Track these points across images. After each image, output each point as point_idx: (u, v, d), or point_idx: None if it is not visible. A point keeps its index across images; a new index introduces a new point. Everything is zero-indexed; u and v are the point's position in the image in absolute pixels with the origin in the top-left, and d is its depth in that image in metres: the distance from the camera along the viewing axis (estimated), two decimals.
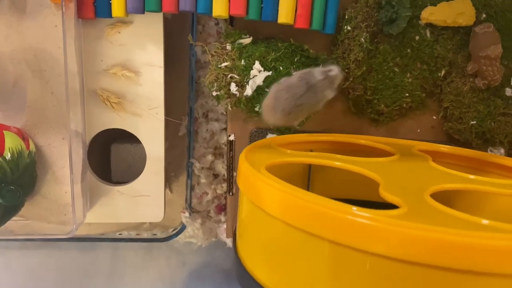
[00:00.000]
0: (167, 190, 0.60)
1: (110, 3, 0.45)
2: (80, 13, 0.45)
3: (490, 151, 0.54)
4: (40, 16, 0.43)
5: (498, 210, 0.43)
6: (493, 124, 0.52)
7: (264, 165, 0.32)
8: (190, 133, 0.56)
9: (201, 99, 0.58)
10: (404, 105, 0.52)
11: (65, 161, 0.45)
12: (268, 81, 0.49)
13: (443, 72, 0.51)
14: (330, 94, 0.42)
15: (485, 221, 0.26)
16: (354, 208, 0.25)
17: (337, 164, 0.35)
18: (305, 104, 0.41)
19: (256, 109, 0.51)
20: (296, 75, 0.43)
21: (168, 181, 0.60)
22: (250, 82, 0.49)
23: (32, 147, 0.43)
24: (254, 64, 0.48)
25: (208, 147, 0.60)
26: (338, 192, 0.46)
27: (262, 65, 0.48)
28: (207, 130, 0.59)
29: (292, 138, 0.45)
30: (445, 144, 0.54)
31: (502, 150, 0.54)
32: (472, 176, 0.36)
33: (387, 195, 0.29)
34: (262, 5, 0.46)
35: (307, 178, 0.47)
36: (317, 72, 0.41)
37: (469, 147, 0.54)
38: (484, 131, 0.52)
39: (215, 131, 0.59)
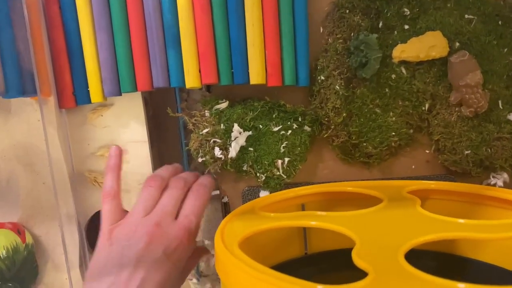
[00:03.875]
0: None
1: (88, 90, 0.47)
2: (61, 104, 0.47)
3: (493, 177, 0.52)
4: (23, 114, 0.45)
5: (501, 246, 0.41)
6: (489, 151, 0.50)
7: (237, 240, 0.32)
8: None
9: (195, 162, 0.59)
10: (393, 144, 0.51)
11: (62, 248, 0.46)
12: (250, 141, 0.50)
13: (427, 105, 0.50)
14: None
15: (461, 285, 0.25)
16: (319, 286, 0.25)
17: (313, 224, 0.35)
18: None
19: (244, 168, 0.51)
20: None
21: None
22: (233, 144, 0.49)
23: (28, 239, 0.45)
24: (233, 126, 0.49)
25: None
26: (335, 243, 0.45)
27: (241, 126, 0.49)
28: None
29: (281, 196, 0.44)
30: (445, 176, 0.53)
31: (506, 175, 0.52)
32: (461, 221, 0.34)
33: (357, 261, 0.28)
34: (232, 70, 0.47)
35: (303, 233, 0.46)
36: None
37: (468, 176, 0.52)
38: (481, 158, 0.50)
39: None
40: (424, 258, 0.45)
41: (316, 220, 0.35)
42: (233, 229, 0.35)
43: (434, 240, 0.31)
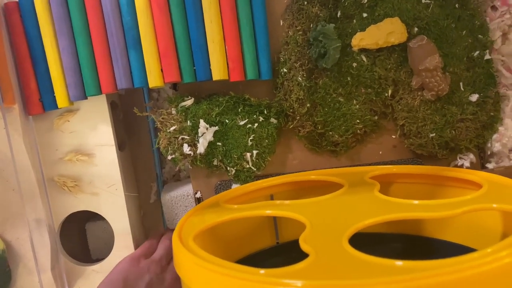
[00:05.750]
0: None
1: (55, 96, 0.48)
2: (29, 110, 0.48)
3: (460, 158, 0.53)
4: None
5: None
6: (453, 132, 0.51)
7: (193, 234, 0.33)
8: (160, 199, 0.57)
9: (167, 161, 0.60)
10: (358, 131, 0.52)
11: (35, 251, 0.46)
12: (218, 135, 0.51)
13: (389, 91, 0.51)
14: None
15: (398, 263, 0.26)
16: (262, 271, 0.25)
17: (268, 213, 0.35)
18: None
19: (214, 163, 0.52)
20: None
21: None
22: (201, 140, 0.50)
23: (1, 245, 0.45)
24: (199, 122, 0.50)
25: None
26: None
27: (207, 122, 0.50)
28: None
29: (249, 188, 0.45)
30: (413, 160, 0.53)
31: (472, 156, 0.53)
32: (416, 202, 0.35)
33: (302, 245, 0.29)
34: (194, 67, 0.48)
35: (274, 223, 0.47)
36: None
37: (435, 159, 0.53)
38: (446, 141, 0.51)
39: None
40: (391, 241, 0.46)
41: (272, 209, 0.36)
42: (192, 224, 0.36)
43: (382, 222, 0.32)
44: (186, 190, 0.58)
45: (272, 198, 0.47)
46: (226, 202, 0.40)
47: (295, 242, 0.47)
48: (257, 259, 0.43)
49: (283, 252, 0.45)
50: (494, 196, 0.34)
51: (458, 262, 0.24)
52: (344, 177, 0.43)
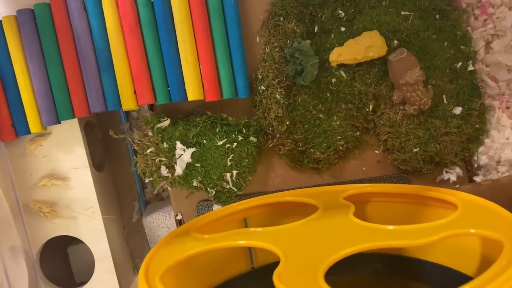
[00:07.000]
0: (137, 277, 0.60)
1: (27, 121, 0.47)
2: (2, 136, 0.47)
3: (446, 172, 0.51)
4: None
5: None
6: (438, 147, 0.50)
7: (160, 272, 0.32)
8: (142, 218, 0.56)
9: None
10: (340, 147, 0.50)
11: (10, 280, 0.46)
12: (196, 156, 0.50)
13: (371, 106, 0.50)
14: None
15: None
16: None
17: (242, 243, 0.34)
18: None
19: (194, 184, 0.51)
20: None
21: (136, 267, 0.60)
22: (178, 161, 0.49)
23: None
24: (176, 144, 0.49)
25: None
26: None
27: (184, 143, 0.49)
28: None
29: (221, 212, 0.44)
30: (398, 176, 0.52)
31: (458, 169, 0.51)
32: (390, 227, 0.34)
33: (277, 284, 0.27)
34: (169, 88, 0.47)
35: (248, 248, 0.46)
36: None
37: (420, 174, 0.51)
38: (431, 155, 0.50)
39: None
40: (372, 261, 0.45)
41: (246, 239, 0.35)
42: (160, 258, 0.34)
43: (357, 252, 0.31)
44: (168, 211, 0.57)
45: (245, 221, 0.46)
46: (197, 231, 0.39)
47: (270, 266, 0.46)
48: (233, 286, 0.42)
49: (259, 277, 0.44)
50: (469, 219, 0.33)
51: None
52: (319, 197, 0.42)
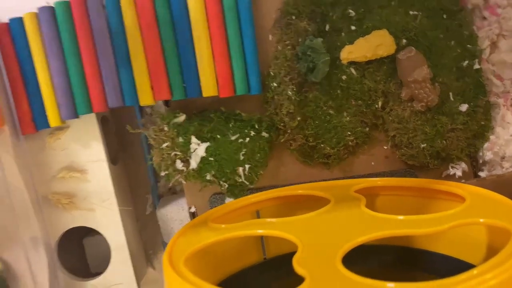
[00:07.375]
0: (150, 268, 0.62)
1: (47, 115, 0.48)
2: (22, 130, 0.49)
3: (452, 167, 0.53)
4: None
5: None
6: (444, 142, 0.51)
7: (183, 257, 0.33)
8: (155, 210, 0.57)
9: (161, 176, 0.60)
10: (349, 143, 0.52)
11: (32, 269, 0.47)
12: (210, 151, 0.51)
13: (380, 103, 0.51)
14: None
15: (390, 285, 0.26)
16: None
17: (259, 232, 0.36)
18: None
19: (208, 177, 0.52)
20: None
21: (149, 259, 0.62)
22: (193, 155, 0.50)
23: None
24: (191, 139, 0.50)
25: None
26: (293, 246, 0.46)
27: (199, 138, 0.50)
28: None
29: (235, 204, 0.46)
30: (406, 171, 0.54)
31: (464, 165, 0.53)
32: (401, 217, 0.35)
33: (297, 268, 0.29)
34: (184, 85, 0.48)
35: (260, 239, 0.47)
36: None
37: (427, 169, 0.53)
38: (437, 151, 0.51)
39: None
40: (381, 253, 0.46)
41: (262, 228, 0.36)
42: (182, 246, 0.36)
43: (370, 239, 0.32)
44: (181, 204, 0.58)
45: (258, 214, 0.47)
46: (214, 221, 0.40)
47: (282, 258, 0.48)
48: (247, 277, 0.44)
49: (272, 268, 0.45)
50: (478, 209, 0.35)
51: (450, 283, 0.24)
52: (330, 191, 0.43)
